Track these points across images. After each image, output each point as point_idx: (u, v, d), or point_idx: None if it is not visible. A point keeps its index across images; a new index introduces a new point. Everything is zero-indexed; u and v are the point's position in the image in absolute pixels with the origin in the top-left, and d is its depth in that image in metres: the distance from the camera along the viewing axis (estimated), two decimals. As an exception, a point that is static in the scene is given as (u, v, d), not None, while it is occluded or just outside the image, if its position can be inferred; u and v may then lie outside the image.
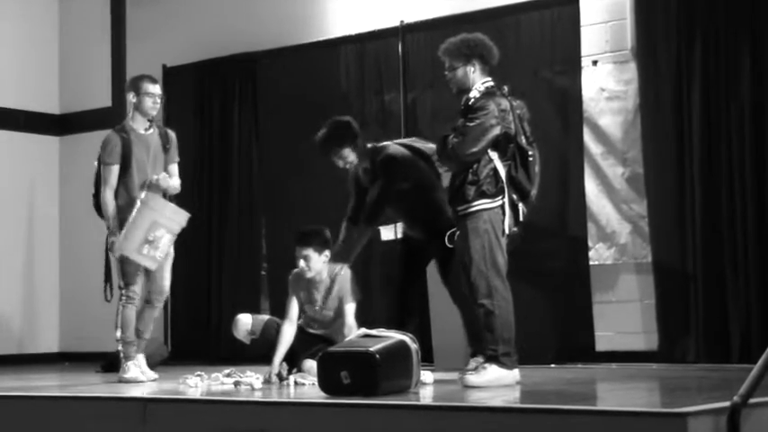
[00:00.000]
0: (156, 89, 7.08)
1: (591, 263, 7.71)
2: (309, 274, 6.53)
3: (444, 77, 6.02)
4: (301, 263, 6.50)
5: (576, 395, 5.32)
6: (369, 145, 6.61)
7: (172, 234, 6.91)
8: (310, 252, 6.48)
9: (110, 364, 7.93)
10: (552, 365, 7.39)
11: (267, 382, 6.22)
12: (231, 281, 9.38)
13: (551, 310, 7.72)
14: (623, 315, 7.62)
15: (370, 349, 5.21)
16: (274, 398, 5.62)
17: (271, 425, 4.88)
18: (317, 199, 8.50)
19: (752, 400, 4.01)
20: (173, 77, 9.78)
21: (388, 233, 7.64)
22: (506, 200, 5.73)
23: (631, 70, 7.66)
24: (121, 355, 6.98)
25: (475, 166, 5.70)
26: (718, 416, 4.00)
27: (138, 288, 6.99)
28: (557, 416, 4.30)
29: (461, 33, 6.02)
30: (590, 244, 7.70)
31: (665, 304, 7.40)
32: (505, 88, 5.89)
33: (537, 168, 5.83)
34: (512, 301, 5.73)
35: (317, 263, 6.51)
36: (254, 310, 8.17)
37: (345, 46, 8.93)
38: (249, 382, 6.09)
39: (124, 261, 6.91)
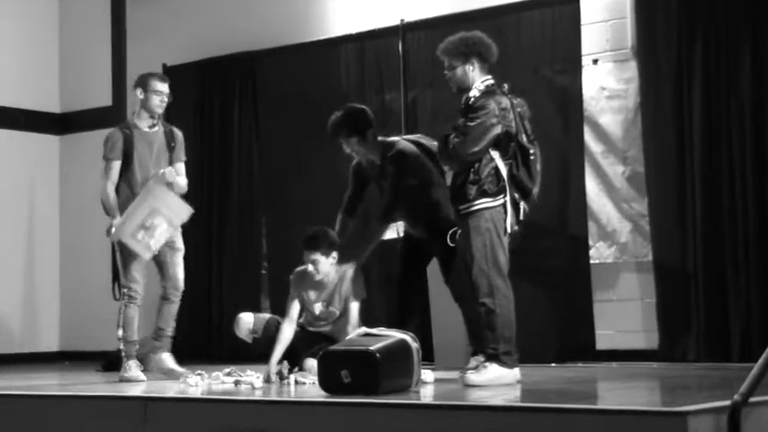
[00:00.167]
0: (164, 87, 7.09)
1: (591, 261, 7.71)
2: (318, 277, 6.54)
3: (444, 76, 6.02)
4: (310, 267, 6.51)
5: (577, 394, 5.32)
6: (379, 138, 6.61)
7: (171, 226, 6.89)
8: (318, 256, 6.48)
9: (110, 363, 7.94)
10: (553, 364, 7.38)
11: (267, 381, 6.22)
12: (231, 280, 9.37)
13: (552, 309, 7.71)
14: (624, 314, 7.61)
15: (371, 348, 5.20)
16: (274, 397, 5.62)
17: (271, 424, 4.88)
18: (317, 198, 8.48)
19: (752, 399, 4.01)
20: (173, 77, 9.57)
21: (389, 232, 7.62)
22: (508, 198, 5.73)
23: (632, 69, 7.65)
24: (123, 354, 6.99)
25: (476, 165, 5.69)
26: (719, 415, 4.00)
27: (139, 287, 6.99)
28: (557, 415, 4.30)
29: (460, 32, 6.02)
30: (590, 243, 7.70)
31: (665, 303, 7.39)
32: (505, 86, 5.88)
33: (538, 166, 5.82)
34: (513, 300, 5.73)
35: (325, 265, 6.51)
36: (255, 308, 8.16)
37: (346, 45, 8.92)
38: (249, 381, 6.08)
39: (120, 249, 6.90)
